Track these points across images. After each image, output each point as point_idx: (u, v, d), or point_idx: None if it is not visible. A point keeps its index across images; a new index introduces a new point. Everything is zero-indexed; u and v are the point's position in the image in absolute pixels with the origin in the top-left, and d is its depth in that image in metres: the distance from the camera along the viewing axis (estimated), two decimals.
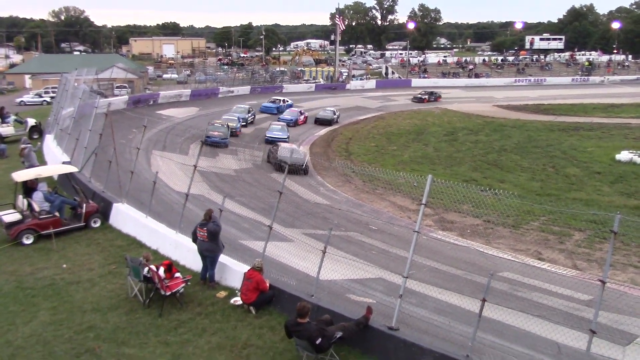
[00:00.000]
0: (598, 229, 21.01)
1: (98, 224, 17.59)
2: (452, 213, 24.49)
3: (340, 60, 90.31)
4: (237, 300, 12.41)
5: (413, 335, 10.49)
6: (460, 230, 23.31)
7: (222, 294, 12.85)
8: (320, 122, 47.89)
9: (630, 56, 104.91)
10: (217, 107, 48.36)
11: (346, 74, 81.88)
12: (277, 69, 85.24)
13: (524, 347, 12.28)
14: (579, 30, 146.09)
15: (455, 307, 13.61)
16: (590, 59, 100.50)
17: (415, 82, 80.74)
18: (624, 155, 35.84)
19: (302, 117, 47.77)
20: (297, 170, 30.94)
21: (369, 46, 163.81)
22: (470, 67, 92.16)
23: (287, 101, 53.42)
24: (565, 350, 11.99)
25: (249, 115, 45.42)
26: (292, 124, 45.05)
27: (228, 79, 65.48)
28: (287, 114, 47.21)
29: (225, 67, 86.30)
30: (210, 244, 13.16)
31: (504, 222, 23.02)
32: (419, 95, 64.33)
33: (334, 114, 49.71)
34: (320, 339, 9.87)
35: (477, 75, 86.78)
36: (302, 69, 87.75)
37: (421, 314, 13.53)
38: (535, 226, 23.53)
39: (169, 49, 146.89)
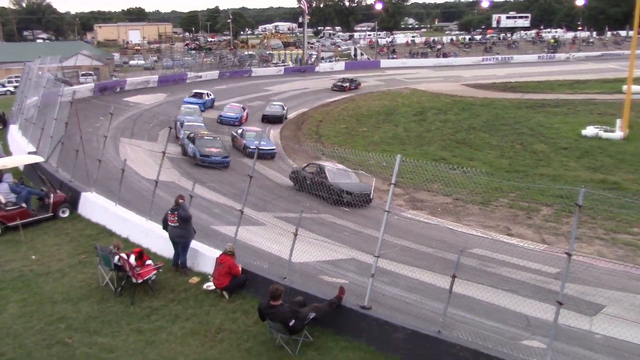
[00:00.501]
0: (564, 203, 21.38)
1: (67, 214, 17.38)
2: (422, 192, 24.73)
3: (309, 43, 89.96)
4: (209, 285, 12.41)
5: (385, 314, 10.63)
6: (431, 208, 23.55)
7: (195, 279, 12.83)
8: (269, 119, 40.84)
9: (594, 33, 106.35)
10: (185, 92, 47.80)
11: (315, 56, 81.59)
12: (246, 52, 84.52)
13: (494, 321, 12.51)
14: (545, 7, 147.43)
15: (427, 284, 13.78)
16: (556, 37, 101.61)
17: (384, 62, 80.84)
18: (589, 131, 36.42)
19: (245, 114, 40.52)
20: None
21: (338, 28, 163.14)
22: (438, 46, 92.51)
23: (210, 95, 45.59)
24: (534, 322, 12.24)
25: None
26: (237, 122, 38.38)
27: (196, 64, 64.77)
28: (229, 111, 39.88)
29: (193, 52, 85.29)
30: (181, 230, 13.11)
31: (473, 200, 23.34)
32: (340, 83, 58.15)
33: (283, 108, 43.25)
34: (293, 321, 9.94)
35: (445, 55, 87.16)
36: (271, 52, 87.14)
37: (393, 292, 13.68)
38: (504, 202, 23.88)
39: (134, 35, 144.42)
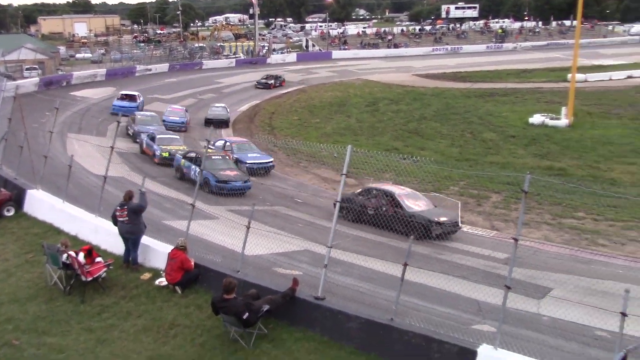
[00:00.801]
0: (513, 190, 21.88)
1: (11, 213, 16.89)
2: (375, 182, 24.91)
3: (260, 34, 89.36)
4: (162, 281, 12.26)
5: (339, 304, 10.69)
6: None
7: (147, 275, 12.65)
8: (214, 123, 34.50)
9: (540, 23, 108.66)
10: (134, 85, 46.96)
11: (266, 48, 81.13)
12: (196, 45, 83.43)
13: (446, 307, 12.74)
14: None
15: (380, 273, 13.92)
16: (503, 27, 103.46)
17: (336, 54, 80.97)
18: (536, 119, 37.31)
19: (188, 117, 36.24)
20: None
21: (289, 19, 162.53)
22: (389, 37, 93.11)
23: (140, 97, 39.42)
24: (484, 307, 12.49)
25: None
26: (184, 127, 34.34)
27: (145, 57, 63.57)
28: (172, 115, 35.00)
29: (142, 44, 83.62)
30: (131, 225, 12.90)
31: (424, 188, 23.60)
32: (264, 81, 54.42)
33: (227, 110, 39.37)
34: (247, 314, 9.91)
35: (396, 46, 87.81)
36: (222, 44, 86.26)
37: (347, 282, 13.79)
38: (454, 190, 24.27)
39: (81, 27, 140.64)
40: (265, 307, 10.18)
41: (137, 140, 29.38)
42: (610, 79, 54.52)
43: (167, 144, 26.95)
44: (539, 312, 13.16)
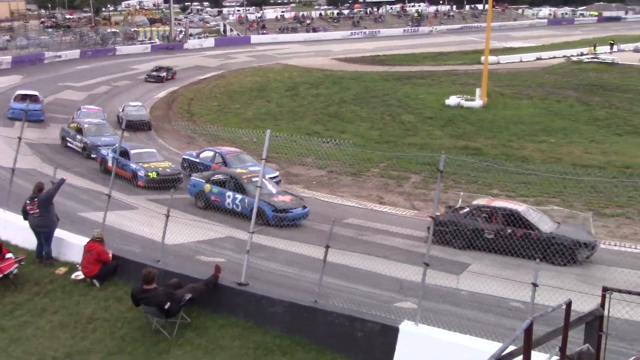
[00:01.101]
0: (430, 170, 22.41)
1: None
2: (296, 166, 25.00)
3: (176, 19, 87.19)
4: (78, 274, 11.81)
5: (263, 289, 10.66)
6: (306, 182, 23.88)
7: (62, 270, 12.15)
8: (136, 126, 28.90)
9: (454, 6, 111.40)
10: (44, 73, 44.94)
11: (183, 33, 79.34)
12: (109, 30, 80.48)
13: (369, 286, 12.96)
14: None
15: (304, 256, 14.00)
16: (419, 10, 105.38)
17: (255, 38, 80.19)
18: (452, 100, 38.34)
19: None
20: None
21: (206, 3, 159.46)
22: (308, 21, 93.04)
23: (41, 98, 33.23)
24: (406, 285, 12.81)
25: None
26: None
27: (54, 43, 60.84)
28: (90, 117, 29.33)
29: (50, 30, 79.95)
30: (43, 218, 12.34)
31: (346, 171, 23.89)
32: (155, 73, 48.32)
33: (145, 109, 34.62)
34: (169, 303, 9.71)
35: (314, 30, 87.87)
36: (136, 29, 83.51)
37: (272, 267, 13.80)
38: (375, 172, 24.66)
39: None
40: (188, 296, 10.01)
41: (94, 156, 24.27)
42: (521, 61, 56.68)
43: (148, 161, 22.20)
44: (458, 287, 13.60)
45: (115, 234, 13.47)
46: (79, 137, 26.14)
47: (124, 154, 21.83)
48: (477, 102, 37.55)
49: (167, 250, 12.11)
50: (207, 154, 23.50)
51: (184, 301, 9.93)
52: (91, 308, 10.69)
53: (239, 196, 18.66)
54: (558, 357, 6.14)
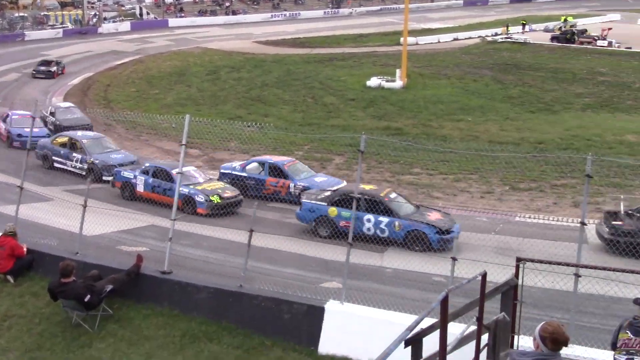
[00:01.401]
0: (354, 151, 22.64)
1: None
2: (220, 152, 24.68)
3: (89, 2, 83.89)
4: None
5: (187, 276, 10.57)
6: None
7: None
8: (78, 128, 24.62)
9: None
10: None
11: (97, 16, 76.50)
12: (16, 14, 76.60)
13: (296, 268, 13.05)
14: None
15: (230, 242, 13.93)
16: None
17: (173, 22, 78.27)
18: (373, 82, 38.73)
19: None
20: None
21: None
22: (227, 4, 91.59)
23: None
24: (332, 265, 12.97)
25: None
26: None
27: None
28: (21, 125, 23.70)
29: None
30: None
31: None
32: (44, 68, 41.85)
33: (80, 110, 28.36)
34: (89, 296, 9.46)
35: (234, 12, 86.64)
36: (46, 13, 79.91)
37: (197, 254, 13.66)
38: (299, 155, 24.65)
39: None
40: (109, 287, 9.77)
41: (106, 178, 19.66)
42: (439, 42, 57.84)
43: (193, 182, 18.24)
44: (382, 265, 13.89)
45: (30, 228, 12.97)
46: (76, 155, 21.06)
47: (160, 175, 18.23)
48: (398, 83, 38.10)
49: (86, 242, 11.77)
50: (254, 165, 20.07)
51: (104, 293, 9.69)
52: (6, 305, 10.29)
53: (384, 219, 15.46)
54: (475, 327, 6.36)
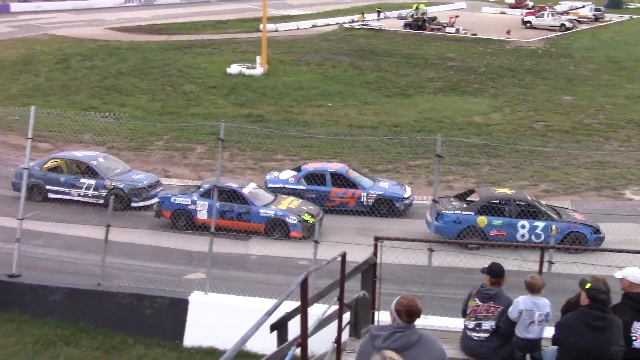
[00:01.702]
0: (215, 139, 22.36)
1: None
2: (74, 144, 23.34)
3: None
4: None
5: (38, 278, 10.00)
6: None
7: None
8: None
9: None
10: None
11: None
12: None
13: (159, 261, 12.73)
14: None
15: (86, 239, 13.31)
16: None
17: (16, 6, 72.65)
18: (233, 69, 38.38)
19: None
20: None
21: None
22: None
23: None
24: (196, 256, 12.79)
25: None
26: None
27: None
28: None
29: None
30: None
31: (128, 146, 22.89)
32: None
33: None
34: None
35: None
36: None
37: (50, 254, 12.92)
38: (159, 145, 24.02)
39: None
40: None
41: (136, 204, 17.00)
42: (298, 28, 58.38)
43: (277, 202, 16.18)
44: (247, 252, 13.91)
45: None
46: (86, 181, 17.72)
47: (230, 197, 15.61)
48: (258, 70, 38.05)
49: None
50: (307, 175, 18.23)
51: None
52: None
53: (540, 224, 14.64)
54: (337, 306, 6.53)
